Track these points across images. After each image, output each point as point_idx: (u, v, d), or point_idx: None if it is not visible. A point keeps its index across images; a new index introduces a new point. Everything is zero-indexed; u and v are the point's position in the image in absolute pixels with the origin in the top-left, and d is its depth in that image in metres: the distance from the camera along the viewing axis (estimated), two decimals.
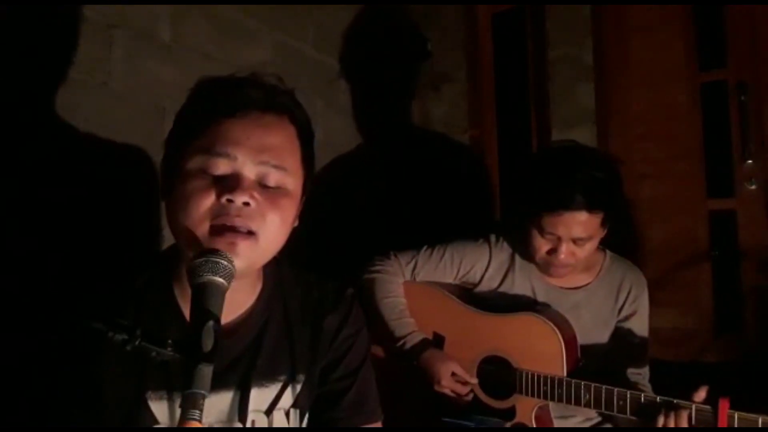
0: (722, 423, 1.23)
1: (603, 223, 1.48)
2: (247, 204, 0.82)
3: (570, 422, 1.62)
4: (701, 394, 1.28)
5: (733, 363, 2.14)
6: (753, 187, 2.21)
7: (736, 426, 1.22)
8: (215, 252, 0.76)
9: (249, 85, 0.90)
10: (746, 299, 2.22)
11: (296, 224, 0.96)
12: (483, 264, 1.66)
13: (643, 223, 2.39)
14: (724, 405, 1.24)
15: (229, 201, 0.81)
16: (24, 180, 1.28)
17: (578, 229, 1.45)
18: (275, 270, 1.01)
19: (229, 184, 0.82)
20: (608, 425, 1.61)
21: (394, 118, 2.64)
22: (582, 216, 1.43)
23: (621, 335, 1.61)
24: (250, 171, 0.84)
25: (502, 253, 1.66)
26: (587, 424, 1.63)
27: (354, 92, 2.37)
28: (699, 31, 2.32)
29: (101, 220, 1.42)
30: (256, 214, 0.83)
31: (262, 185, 0.85)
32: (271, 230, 0.84)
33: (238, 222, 0.81)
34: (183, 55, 1.65)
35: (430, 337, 1.68)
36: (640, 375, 1.59)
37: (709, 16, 2.30)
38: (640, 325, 1.61)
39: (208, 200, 0.82)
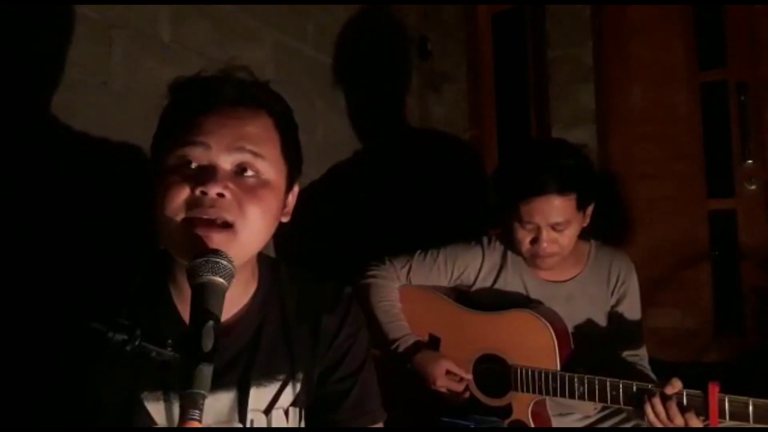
0: (713, 407, 1.25)
1: (578, 207, 1.52)
2: (221, 195, 0.82)
3: (567, 420, 1.63)
4: (677, 385, 1.30)
5: (733, 363, 2.15)
6: (753, 187, 2.21)
7: (726, 409, 1.24)
8: (216, 252, 0.76)
9: (221, 82, 0.90)
10: (746, 299, 2.22)
11: (286, 220, 0.95)
12: (476, 265, 1.69)
13: (643, 223, 2.39)
14: (713, 389, 1.26)
15: (203, 193, 0.81)
16: (23, 180, 1.28)
17: (554, 214, 1.49)
18: (272, 269, 1.01)
19: (203, 176, 0.82)
20: (608, 422, 1.62)
21: (394, 118, 2.64)
22: (555, 200, 1.48)
23: (615, 319, 1.63)
24: (225, 161, 0.84)
25: (494, 253, 1.69)
26: (585, 422, 1.64)
27: (354, 92, 2.37)
28: (699, 31, 2.32)
29: (100, 219, 1.42)
30: (232, 205, 0.82)
31: (239, 176, 0.85)
32: (250, 222, 0.83)
33: (211, 214, 0.81)
34: (183, 55, 1.65)
35: (426, 339, 1.69)
36: (638, 356, 1.61)
37: (709, 16, 2.30)
38: (631, 307, 1.64)
39: (183, 193, 0.82)
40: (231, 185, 0.83)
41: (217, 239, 0.80)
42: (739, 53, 2.25)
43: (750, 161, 2.20)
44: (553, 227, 1.51)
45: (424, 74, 2.81)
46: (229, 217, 0.82)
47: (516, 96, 2.74)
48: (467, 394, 1.60)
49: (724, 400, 1.25)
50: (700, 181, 2.31)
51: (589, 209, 1.58)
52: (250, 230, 0.84)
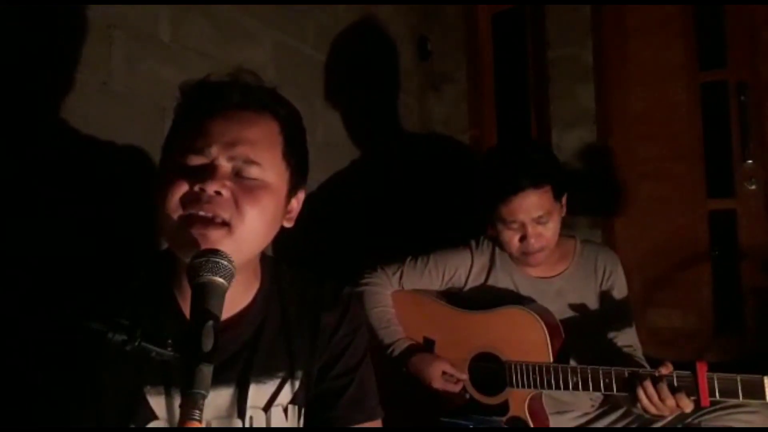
0: (703, 386, 1.27)
1: (555, 198, 1.57)
2: (218, 194, 0.83)
3: (566, 417, 1.64)
4: (667, 366, 1.33)
5: (733, 363, 2.15)
6: (753, 187, 2.21)
7: (716, 387, 1.27)
8: (216, 252, 0.76)
9: (228, 86, 0.92)
10: (746, 299, 2.22)
11: (289, 225, 0.96)
12: (466, 267, 1.72)
13: (643, 223, 2.39)
14: (702, 368, 1.28)
15: (202, 190, 0.83)
16: (24, 180, 1.28)
17: (534, 208, 1.53)
18: (273, 269, 1.02)
19: (202, 173, 0.84)
20: (607, 418, 1.63)
21: (394, 118, 2.64)
22: (532, 195, 1.53)
23: (604, 307, 1.66)
24: (224, 162, 0.86)
25: (482, 255, 1.72)
26: (583, 420, 1.65)
27: (354, 92, 2.37)
28: (699, 31, 2.32)
29: (101, 220, 1.42)
30: (229, 203, 0.83)
31: (238, 177, 0.86)
32: (247, 221, 0.84)
33: (208, 210, 0.82)
34: (183, 55, 1.65)
35: (421, 342, 1.70)
36: (632, 347, 1.63)
37: (709, 16, 2.31)
38: (619, 295, 1.67)
39: (182, 190, 0.84)
40: (229, 184, 0.84)
41: (213, 236, 0.81)
42: (739, 53, 2.25)
43: (750, 161, 2.20)
44: (537, 221, 1.55)
45: (424, 74, 2.81)
46: (225, 215, 0.83)
47: (516, 96, 2.75)
48: (466, 396, 1.60)
49: (713, 379, 1.27)
50: (700, 181, 2.32)
51: (564, 199, 1.63)
52: (246, 230, 0.85)
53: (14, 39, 1.28)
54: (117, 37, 1.49)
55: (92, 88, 1.44)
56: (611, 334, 1.62)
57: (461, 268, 1.72)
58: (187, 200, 0.83)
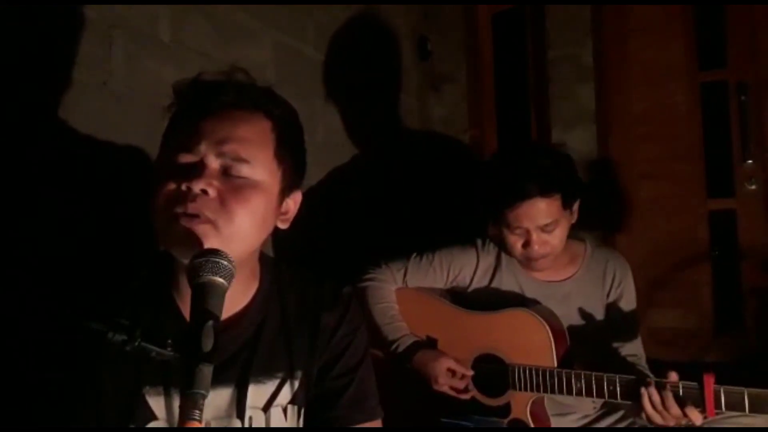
0: (709, 398, 1.26)
1: (564, 206, 1.53)
2: (204, 192, 0.83)
3: (567, 419, 1.63)
4: (673, 376, 1.32)
5: (733, 363, 2.15)
6: (753, 187, 2.21)
7: (722, 400, 1.25)
8: (216, 252, 0.76)
9: (220, 86, 0.92)
10: (746, 299, 2.22)
11: (284, 227, 0.96)
12: (471, 267, 1.70)
13: (643, 223, 2.40)
14: (709, 380, 1.27)
15: (188, 188, 0.82)
16: (23, 180, 1.28)
17: (541, 216, 1.50)
18: (272, 269, 1.02)
19: (189, 172, 0.84)
20: (608, 418, 1.63)
21: (394, 118, 2.64)
22: (539, 203, 1.49)
23: (611, 316, 1.65)
24: (213, 161, 0.85)
25: (488, 255, 1.70)
26: (584, 422, 1.64)
27: (354, 92, 2.37)
28: (699, 31, 2.33)
29: (100, 220, 1.42)
30: (214, 202, 0.83)
31: (227, 176, 0.86)
32: (235, 222, 0.84)
33: (193, 209, 0.82)
34: (183, 55, 1.65)
35: (424, 340, 1.69)
36: (636, 356, 1.62)
37: (709, 16, 2.31)
38: (627, 306, 1.66)
39: (170, 188, 0.84)
40: (216, 183, 0.84)
41: (198, 230, 0.81)
42: (739, 53, 2.25)
43: (750, 161, 2.20)
44: (542, 229, 1.52)
45: (424, 74, 2.81)
46: (211, 215, 0.82)
47: (516, 96, 2.75)
48: (471, 392, 1.60)
49: (720, 391, 1.26)
50: (700, 181, 2.32)
51: (576, 206, 1.59)
52: (233, 229, 0.84)
53: (14, 39, 1.28)
54: (117, 37, 1.49)
55: (92, 88, 1.44)
56: (616, 343, 1.61)
57: (466, 268, 1.70)
58: (174, 199, 0.83)
